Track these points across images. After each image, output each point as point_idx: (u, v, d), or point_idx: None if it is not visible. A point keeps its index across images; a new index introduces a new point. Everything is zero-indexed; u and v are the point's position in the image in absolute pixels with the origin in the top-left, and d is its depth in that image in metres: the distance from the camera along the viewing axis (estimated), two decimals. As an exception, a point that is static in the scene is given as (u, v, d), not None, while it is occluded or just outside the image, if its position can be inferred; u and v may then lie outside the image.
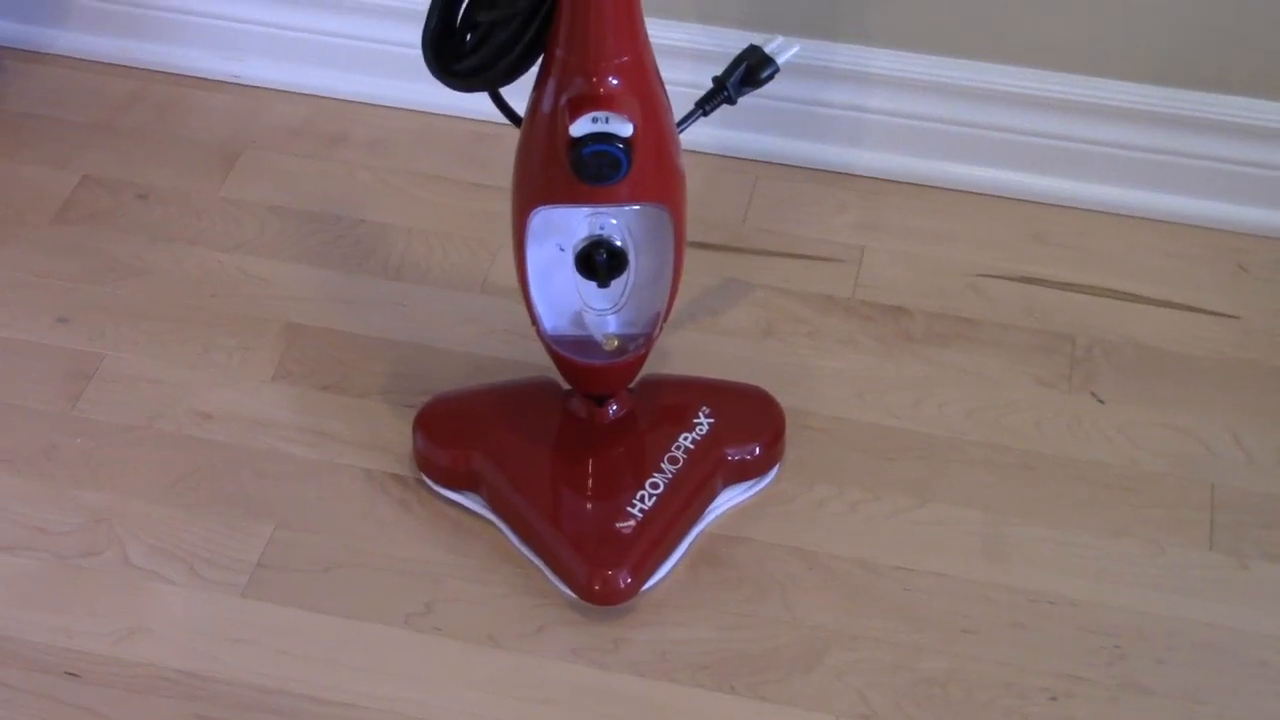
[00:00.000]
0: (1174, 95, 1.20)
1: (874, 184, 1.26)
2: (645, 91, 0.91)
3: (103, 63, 1.34)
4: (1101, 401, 1.12)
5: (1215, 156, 1.21)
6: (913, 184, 1.26)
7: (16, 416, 1.09)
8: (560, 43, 0.89)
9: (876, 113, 1.25)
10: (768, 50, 1.02)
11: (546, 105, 0.91)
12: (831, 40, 1.23)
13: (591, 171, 0.89)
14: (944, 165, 1.26)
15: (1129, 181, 1.24)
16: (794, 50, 1.03)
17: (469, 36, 0.93)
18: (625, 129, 0.89)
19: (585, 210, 0.95)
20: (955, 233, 1.23)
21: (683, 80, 1.12)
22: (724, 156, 1.27)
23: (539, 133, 0.92)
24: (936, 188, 1.26)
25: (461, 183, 1.26)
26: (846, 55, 1.23)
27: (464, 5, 0.93)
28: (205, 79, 1.33)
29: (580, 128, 0.88)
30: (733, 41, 1.23)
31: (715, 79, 1.02)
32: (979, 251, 1.22)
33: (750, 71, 1.02)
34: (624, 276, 0.97)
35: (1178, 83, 1.20)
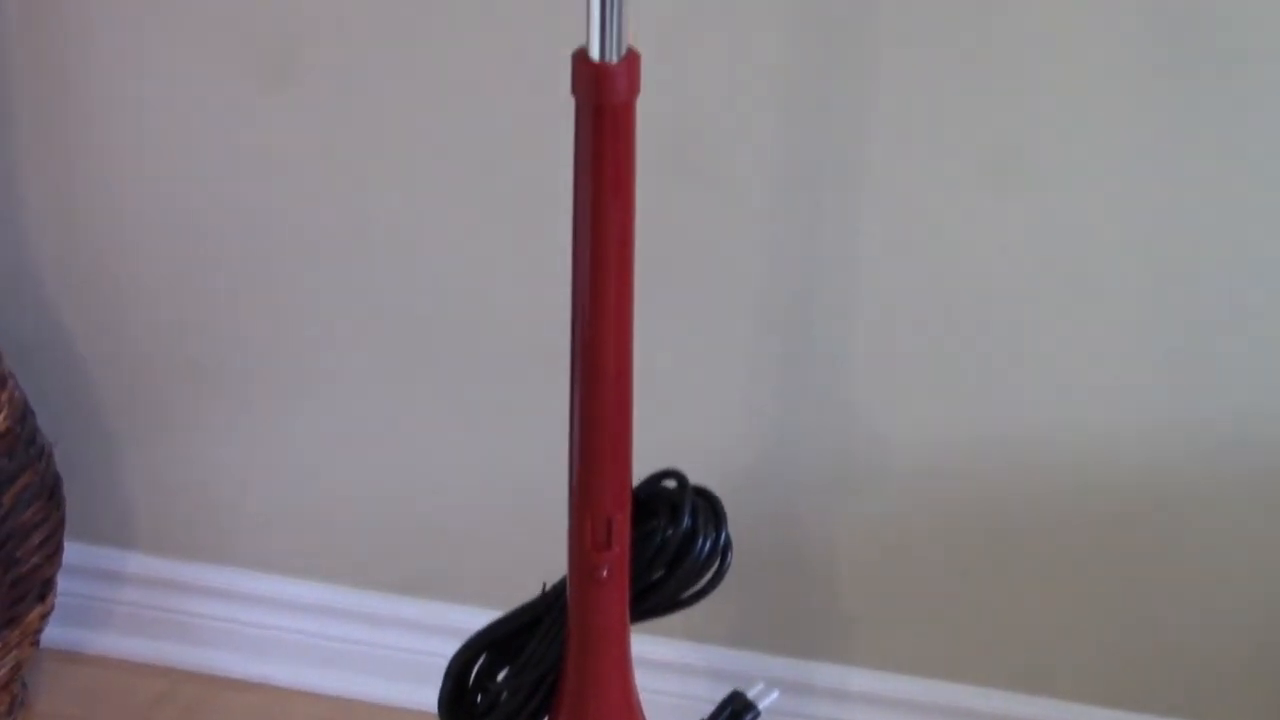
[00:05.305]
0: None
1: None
2: (639, 753, 1.00)
3: (136, 662, 1.44)
4: None
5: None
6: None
7: None
8: (562, 712, 0.99)
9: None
10: (750, 695, 1.12)
11: (547, 770, 1.00)
12: (812, 659, 1.33)
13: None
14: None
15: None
16: (774, 696, 1.12)
17: (479, 698, 1.03)
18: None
19: None
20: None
21: (671, 690, 1.22)
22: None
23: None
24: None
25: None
26: (826, 674, 1.33)
27: (476, 670, 1.03)
28: (233, 679, 1.42)
29: (578, 797, 0.98)
30: (718, 658, 1.35)
31: (703, 725, 1.12)
32: None
33: (734, 716, 1.12)
34: None
35: (1152, 710, 1.28)
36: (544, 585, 1.02)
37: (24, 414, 1.27)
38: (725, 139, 1.18)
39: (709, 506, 0.99)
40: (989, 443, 1.22)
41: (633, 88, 0.84)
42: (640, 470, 0.98)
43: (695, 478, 1.01)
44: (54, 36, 1.27)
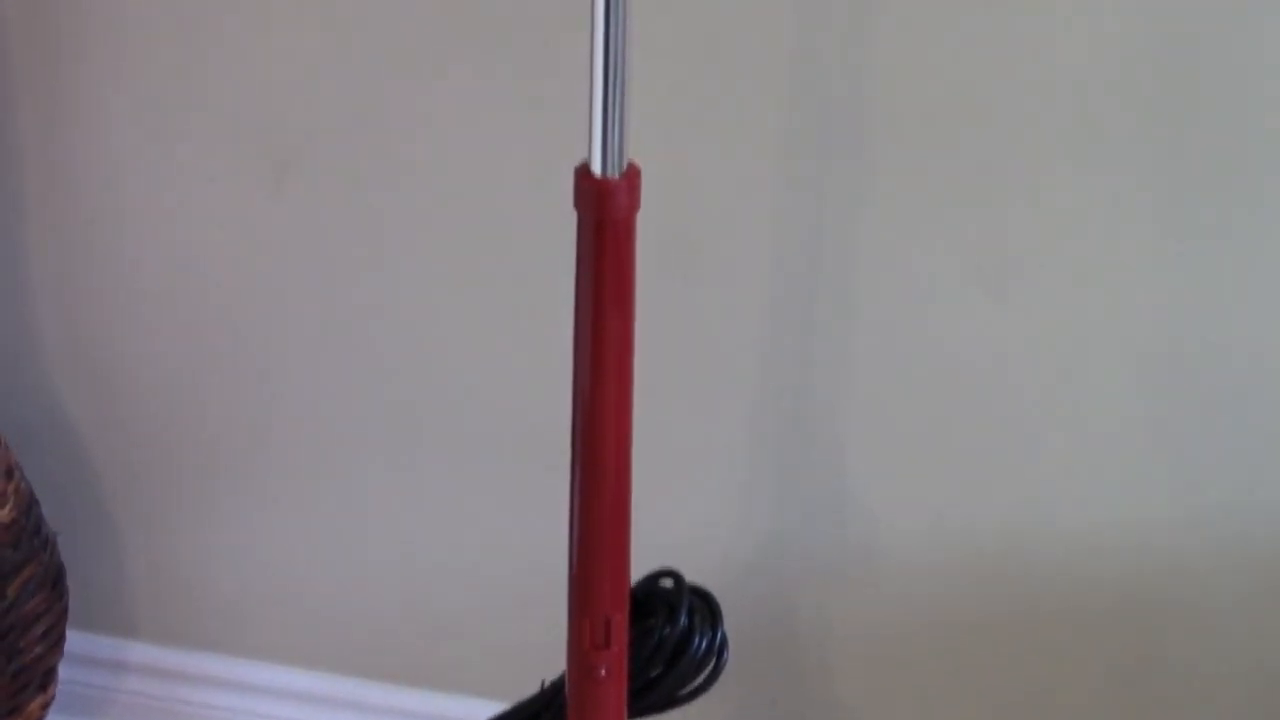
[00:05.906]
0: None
1: None
2: None
3: (137, 753, 1.46)
4: None
5: None
6: None
7: None
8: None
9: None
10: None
11: None
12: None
13: None
14: None
15: None
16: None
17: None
18: None
19: None
20: None
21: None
22: None
23: None
24: None
25: None
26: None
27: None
28: (230, 770, 1.44)
29: None
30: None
31: None
32: None
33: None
34: None
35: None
36: (543, 682, 1.03)
37: (30, 505, 1.29)
38: (723, 242, 1.20)
39: (705, 605, 1.01)
40: (985, 537, 1.23)
41: (633, 203, 0.85)
42: (638, 567, 1.00)
43: (691, 574, 1.03)
44: (63, 139, 1.29)
